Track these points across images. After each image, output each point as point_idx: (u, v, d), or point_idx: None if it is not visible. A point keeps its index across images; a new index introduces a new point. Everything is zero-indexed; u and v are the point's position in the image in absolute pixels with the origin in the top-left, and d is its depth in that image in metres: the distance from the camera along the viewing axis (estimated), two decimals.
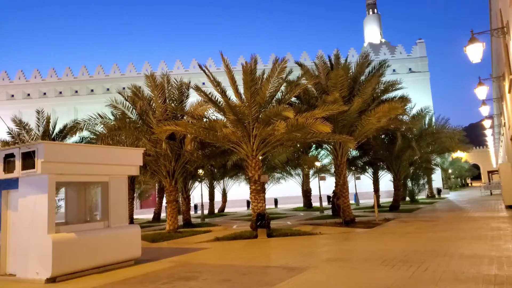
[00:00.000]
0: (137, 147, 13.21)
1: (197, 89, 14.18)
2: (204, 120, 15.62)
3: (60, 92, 47.57)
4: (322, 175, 28.87)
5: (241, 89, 14.15)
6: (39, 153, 8.41)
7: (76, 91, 47.42)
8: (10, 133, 21.58)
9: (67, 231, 8.86)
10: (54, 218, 8.65)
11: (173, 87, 17.53)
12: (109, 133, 17.08)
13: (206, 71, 14.22)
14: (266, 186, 26.77)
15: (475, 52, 8.28)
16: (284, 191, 37.49)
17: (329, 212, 22.69)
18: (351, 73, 17.15)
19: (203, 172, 21.96)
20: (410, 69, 46.41)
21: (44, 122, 21.99)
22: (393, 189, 24.77)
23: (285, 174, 29.76)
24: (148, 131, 16.08)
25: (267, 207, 21.24)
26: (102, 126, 18.03)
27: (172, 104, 16.76)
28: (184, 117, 16.57)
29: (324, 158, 28.53)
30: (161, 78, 17.44)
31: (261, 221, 13.80)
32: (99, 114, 17.38)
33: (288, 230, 14.63)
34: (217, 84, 14.21)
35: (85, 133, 21.32)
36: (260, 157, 14.71)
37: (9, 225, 9.44)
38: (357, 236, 13.14)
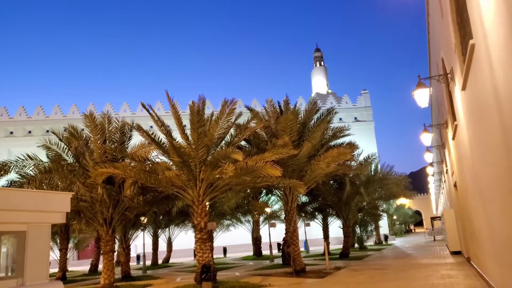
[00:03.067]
0: (70, 192, 11.84)
1: (139, 128, 13.30)
2: (147, 163, 14.60)
3: None
4: (273, 221, 28.14)
5: (189, 132, 13.49)
6: None
7: (11, 132, 44.10)
8: None
9: None
10: None
11: (114, 128, 16.46)
12: (40, 175, 15.46)
13: (150, 110, 13.46)
14: (214, 234, 25.58)
15: (422, 96, 8.34)
16: (233, 239, 36.13)
17: (279, 261, 21.78)
18: (300, 118, 17.16)
19: (145, 220, 20.42)
20: (355, 118, 48.46)
21: None
22: (342, 236, 24.50)
23: (234, 221, 28.67)
24: (83, 174, 14.72)
25: (215, 256, 19.88)
26: (33, 168, 16.32)
27: (112, 146, 15.63)
28: (125, 160, 15.44)
29: (275, 204, 27.98)
30: (101, 118, 16.37)
31: (207, 274, 12.65)
32: (28, 155, 15.74)
33: (236, 282, 13.54)
34: (161, 124, 13.46)
35: (14, 176, 19.28)
36: (207, 203, 13.81)
37: None
38: None
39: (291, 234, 16.60)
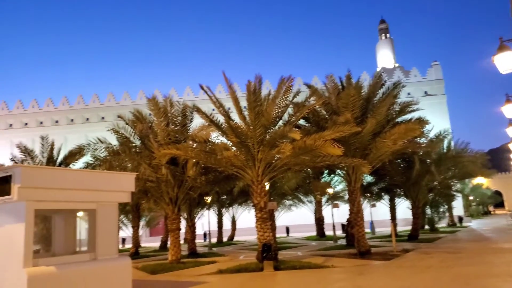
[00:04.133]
0: (136, 172, 12.38)
1: (198, 110, 13.47)
2: (207, 144, 14.80)
3: (72, 120, 47.83)
4: (336, 202, 27.52)
5: (247, 113, 13.37)
6: (16, 178, 7.61)
7: (87, 119, 47.61)
8: (13, 160, 21.13)
9: (47, 264, 7.91)
10: (31, 249, 7.75)
11: (176, 111, 16.89)
12: (111, 158, 16.43)
13: (208, 92, 13.51)
14: (276, 213, 25.61)
15: (505, 61, 7.28)
16: (296, 219, 36.08)
17: (343, 242, 21.28)
18: (363, 94, 16.24)
19: (209, 199, 20.97)
20: (425, 92, 45.30)
21: (48, 149, 21.54)
22: (411, 217, 23.27)
23: (296, 201, 28.49)
24: (149, 156, 15.33)
25: (277, 235, 19.95)
26: (104, 151, 17.39)
27: (174, 128, 16.06)
28: (187, 141, 15.81)
29: (337, 184, 27.26)
30: (164, 102, 16.85)
31: (267, 253, 12.66)
32: (99, 139, 16.77)
33: (297, 262, 13.41)
34: (219, 106, 13.47)
35: (89, 159, 20.75)
36: (266, 183, 13.71)
37: None
38: (373, 270, 11.86)
39: (355, 215, 16.02)
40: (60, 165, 20.83)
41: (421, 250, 15.90)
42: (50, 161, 21.34)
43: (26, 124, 48.17)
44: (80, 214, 9.70)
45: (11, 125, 48.56)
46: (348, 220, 17.93)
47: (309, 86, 16.93)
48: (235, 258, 17.31)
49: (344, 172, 16.40)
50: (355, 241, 15.49)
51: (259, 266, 12.61)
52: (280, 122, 13.97)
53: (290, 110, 14.29)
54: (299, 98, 15.25)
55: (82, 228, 9.69)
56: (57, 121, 47.85)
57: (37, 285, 7.43)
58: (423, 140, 20.16)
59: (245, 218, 33.55)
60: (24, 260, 7.52)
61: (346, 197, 22.49)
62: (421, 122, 17.28)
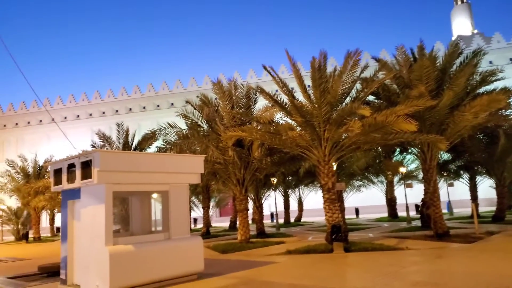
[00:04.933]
0: (204, 155, 12.69)
1: (261, 91, 13.32)
2: (271, 124, 14.69)
3: (144, 107, 50.53)
4: (409, 182, 26.17)
5: (312, 91, 12.96)
6: (95, 162, 8.11)
7: (158, 105, 49.97)
8: (93, 146, 22.82)
9: (125, 242, 8.42)
10: (111, 229, 8.28)
11: (240, 93, 16.96)
12: (181, 141, 17.03)
13: (271, 72, 13.29)
14: (344, 194, 25.02)
15: None
16: (365, 200, 35.03)
17: (418, 223, 20.21)
18: (438, 64, 14.93)
19: (275, 180, 21.01)
20: (511, 59, 40.83)
21: (124, 135, 22.95)
22: (494, 197, 21.38)
23: (366, 181, 27.54)
24: (216, 139, 15.64)
25: (346, 217, 19.53)
26: (174, 135, 18.08)
27: (239, 110, 16.15)
28: (252, 123, 15.84)
29: (410, 163, 25.83)
30: (228, 85, 16.99)
31: (337, 234, 12.35)
32: (170, 124, 17.44)
33: (369, 244, 12.95)
34: (283, 85, 13.20)
35: (160, 143, 21.76)
36: (333, 163, 13.30)
37: (74, 235, 9.35)
38: (453, 253, 11.06)
39: (430, 194, 15.01)
40: (135, 149, 22.12)
41: (508, 233, 14.55)
42: (126, 146, 22.74)
43: (103, 112, 51.90)
44: (154, 195, 10.18)
45: (90, 114, 52.65)
46: (423, 200, 16.88)
47: (377, 60, 15.95)
48: (303, 239, 17.22)
49: (418, 149, 15.37)
50: (431, 222, 14.56)
51: (329, 248, 12.38)
52: (347, 99, 13.38)
53: (357, 86, 13.61)
54: (367, 73, 14.45)
55: (156, 209, 10.17)
56: (130, 109, 50.91)
57: (117, 262, 7.93)
58: (509, 112, 18.23)
59: (311, 199, 33.30)
60: (105, 238, 8.06)
61: (420, 176, 21.22)
62: (507, 92, 15.57)
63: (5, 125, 55.79)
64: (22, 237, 32.83)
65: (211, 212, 26.85)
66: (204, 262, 9.49)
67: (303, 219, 32.64)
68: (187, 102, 17.63)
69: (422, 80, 13.44)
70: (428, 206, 15.20)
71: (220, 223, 39.53)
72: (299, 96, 13.68)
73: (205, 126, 17.22)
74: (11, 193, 33.74)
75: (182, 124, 18.26)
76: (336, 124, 12.11)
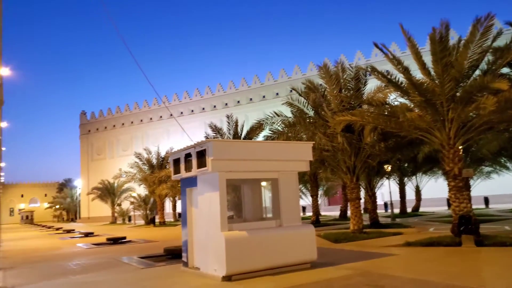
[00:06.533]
0: (312, 142, 12.35)
1: (373, 70, 12.34)
2: (385, 106, 13.59)
3: (251, 99, 52.10)
4: None
5: (431, 67, 11.59)
6: (209, 152, 8.38)
7: (264, 96, 51.03)
8: (207, 137, 24.21)
9: (239, 228, 8.58)
10: (226, 215, 8.51)
11: (348, 75, 16.10)
12: (287, 129, 16.95)
13: (384, 49, 12.22)
14: (471, 182, 22.28)
15: None
16: (497, 188, 30.91)
17: None
18: None
19: (389, 167, 19.64)
20: None
21: (233, 126, 23.88)
22: None
23: (498, 167, 24.14)
24: (323, 125, 15.14)
25: (474, 206, 17.44)
26: (280, 123, 18.09)
27: (348, 94, 15.34)
28: (362, 106, 14.92)
29: None
30: (335, 68, 16.28)
31: (466, 225, 10.94)
32: (275, 113, 17.47)
33: (507, 238, 11.19)
34: (397, 63, 12.04)
35: (267, 132, 22.08)
36: (460, 147, 11.77)
37: (193, 221, 9.87)
38: None
39: None
40: (244, 139, 22.85)
41: None
42: (235, 136, 23.66)
43: (214, 106, 55.02)
44: (264, 183, 10.21)
45: (203, 108, 56.28)
46: None
47: None
48: (424, 230, 15.81)
49: None
50: None
51: (456, 240, 11.04)
52: (476, 73, 11.65)
53: (489, 57, 11.75)
54: (500, 43, 12.38)
55: (266, 196, 10.19)
56: (238, 101, 53.00)
57: (233, 247, 8.10)
58: None
59: (431, 187, 30.63)
60: (221, 224, 8.30)
61: None
62: None
63: (132, 122, 62.98)
64: (150, 221, 36.80)
65: (319, 201, 26.45)
66: (317, 251, 9.21)
67: (421, 209, 30.21)
68: (292, 89, 17.42)
69: None
70: None
71: (329, 211, 38.89)
72: (416, 74, 12.37)
73: (311, 113, 16.83)
74: (140, 182, 37.98)
75: (287, 113, 18.16)
76: (462, 101, 10.62)
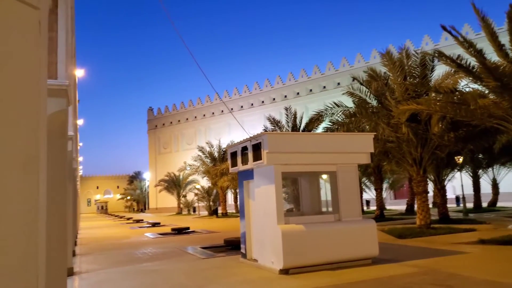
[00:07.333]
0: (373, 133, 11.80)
1: (440, 55, 11.43)
2: (454, 94, 12.57)
3: (311, 90, 51.29)
4: None
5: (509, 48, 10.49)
6: (264, 145, 8.33)
7: (324, 87, 49.97)
8: (265, 130, 24.25)
9: (296, 222, 8.46)
10: (282, 208, 8.42)
11: (413, 62, 15.13)
12: (348, 120, 16.40)
13: (453, 31, 11.27)
14: None
15: None
16: None
17: None
18: None
19: (461, 159, 18.24)
20: None
21: (292, 118, 23.66)
22: None
23: None
24: (386, 115, 14.42)
25: None
26: (340, 114, 17.54)
27: (413, 81, 14.42)
28: (429, 94, 13.95)
29: None
30: (399, 55, 15.39)
31: None
32: (335, 103, 16.96)
33: None
34: (469, 46, 11.06)
35: (327, 124, 21.55)
36: None
37: (251, 213, 9.92)
38: None
39: None
40: (303, 131, 22.53)
41: None
42: (294, 129, 23.42)
43: (273, 99, 54.99)
44: (323, 176, 9.96)
45: (262, 101, 56.51)
46: None
47: None
48: (502, 227, 14.49)
49: None
50: None
51: None
52: None
53: None
54: None
55: (325, 190, 9.93)
56: (298, 93, 52.44)
57: (290, 240, 8.01)
58: None
59: (510, 180, 28.04)
60: (277, 217, 8.23)
61: None
62: None
63: (195, 117, 65.11)
64: (213, 212, 37.96)
65: (384, 194, 25.40)
66: (379, 247, 8.81)
67: (498, 204, 27.80)
68: (353, 78, 16.78)
69: None
70: None
71: (395, 205, 37.24)
72: (491, 57, 11.28)
73: (374, 102, 16.09)
74: (203, 175, 39.26)
75: (348, 103, 17.53)
76: None
